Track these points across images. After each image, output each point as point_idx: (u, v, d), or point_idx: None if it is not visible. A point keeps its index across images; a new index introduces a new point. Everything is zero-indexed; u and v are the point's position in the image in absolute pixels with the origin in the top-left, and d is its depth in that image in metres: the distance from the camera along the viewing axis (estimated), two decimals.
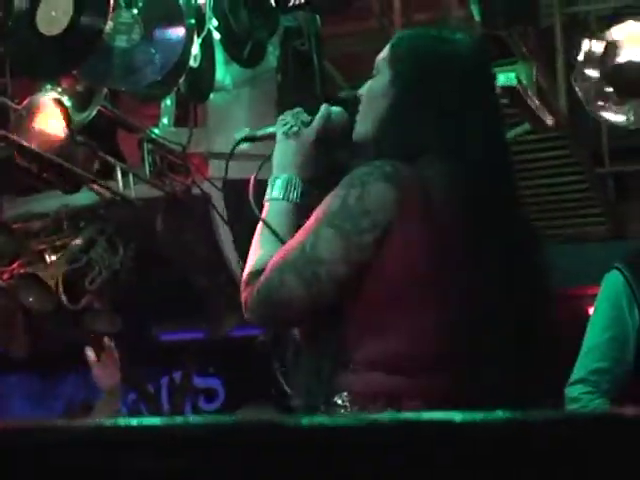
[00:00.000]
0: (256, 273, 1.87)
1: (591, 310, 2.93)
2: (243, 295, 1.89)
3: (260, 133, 2.17)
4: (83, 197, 4.81)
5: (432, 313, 1.78)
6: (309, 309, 1.83)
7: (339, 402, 1.82)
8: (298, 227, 1.89)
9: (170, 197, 4.85)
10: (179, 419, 0.80)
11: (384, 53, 1.99)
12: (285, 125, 2.02)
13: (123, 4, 3.73)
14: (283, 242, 1.89)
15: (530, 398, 1.83)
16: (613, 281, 2.78)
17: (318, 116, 2.00)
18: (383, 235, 1.77)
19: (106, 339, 4.03)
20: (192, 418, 0.79)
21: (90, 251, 4.92)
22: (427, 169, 1.81)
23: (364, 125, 1.95)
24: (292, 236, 1.87)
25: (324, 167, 2.02)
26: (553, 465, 0.77)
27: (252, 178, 2.07)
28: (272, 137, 2.07)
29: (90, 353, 3.98)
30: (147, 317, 5.98)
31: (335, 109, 2.03)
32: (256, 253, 1.93)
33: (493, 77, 2.05)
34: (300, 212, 1.92)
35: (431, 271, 1.77)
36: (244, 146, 5.67)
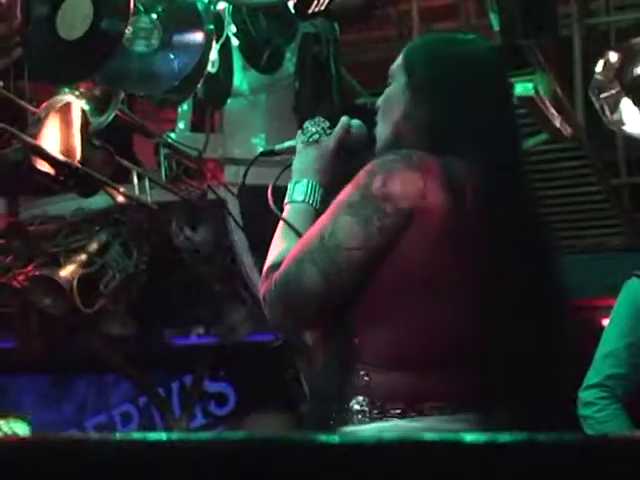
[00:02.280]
0: (274, 266, 1.86)
1: (606, 321, 2.93)
2: (262, 289, 1.88)
3: (278, 147, 2.20)
4: (99, 200, 4.82)
5: (448, 309, 1.76)
6: (327, 300, 1.79)
7: (357, 407, 1.79)
8: None
9: (185, 202, 4.85)
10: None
11: (398, 60, 2.00)
12: (306, 134, 2.05)
13: (143, 9, 3.73)
14: None
15: (544, 401, 1.81)
16: (631, 288, 2.79)
17: (338, 126, 2.04)
18: (404, 223, 1.76)
19: None
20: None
21: (105, 254, 4.92)
22: (448, 166, 1.81)
23: (383, 131, 1.97)
24: None
25: (341, 176, 1.99)
26: None
27: (270, 186, 2.09)
28: (291, 151, 2.10)
29: None
30: (160, 321, 5.99)
31: (355, 121, 2.06)
32: (276, 249, 1.93)
33: (507, 76, 2.05)
34: (318, 217, 1.91)
35: (449, 266, 1.75)
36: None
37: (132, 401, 7.72)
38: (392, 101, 1.96)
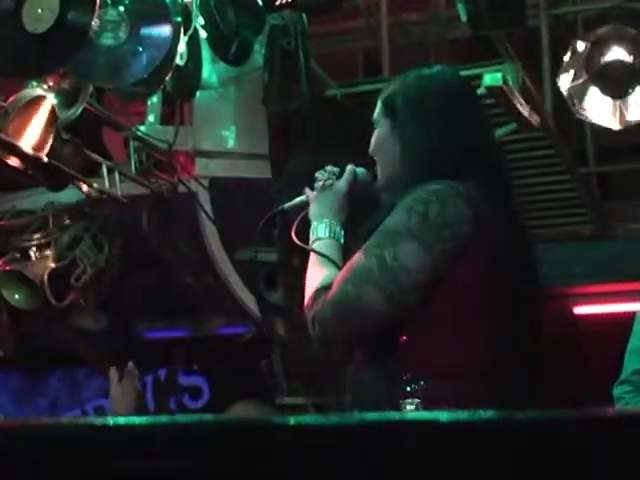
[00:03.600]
0: (323, 289, 2.01)
1: (576, 309, 3.00)
2: (311, 312, 2.02)
3: (288, 206, 2.34)
4: (69, 194, 4.81)
5: (491, 326, 1.95)
6: (387, 320, 1.95)
7: (411, 408, 1.90)
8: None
9: (156, 195, 4.85)
10: (167, 418, 0.80)
11: (377, 109, 2.20)
12: (320, 182, 2.24)
13: (110, 2, 3.72)
14: (339, 267, 2.06)
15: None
16: None
17: (347, 172, 2.24)
18: (460, 248, 1.93)
19: (130, 364, 4.00)
20: (180, 417, 0.80)
21: (76, 248, 4.91)
22: (472, 192, 1.99)
23: (382, 175, 2.17)
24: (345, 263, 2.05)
25: (351, 215, 2.23)
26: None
27: (295, 225, 2.25)
28: (303, 207, 2.27)
29: (114, 374, 3.92)
30: (132, 315, 5.97)
31: (360, 168, 2.26)
32: (317, 276, 2.09)
33: (477, 98, 2.33)
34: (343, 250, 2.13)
35: (495, 286, 1.95)
36: (230, 145, 5.67)
37: (106, 395, 7.69)
38: (383, 146, 2.17)
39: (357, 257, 2.00)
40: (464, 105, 2.15)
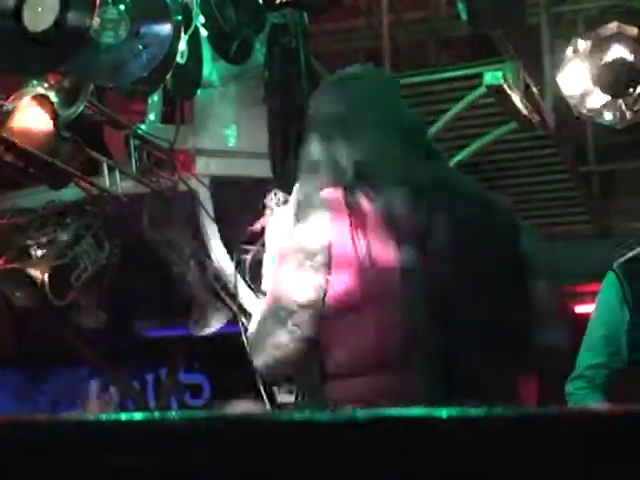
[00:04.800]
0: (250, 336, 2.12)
1: (577, 308, 3.04)
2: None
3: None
4: (69, 193, 4.81)
5: (379, 319, 1.95)
6: (303, 347, 2.00)
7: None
8: None
9: (157, 193, 4.85)
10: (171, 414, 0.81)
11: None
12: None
13: (110, 0, 3.72)
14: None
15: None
16: (607, 282, 2.93)
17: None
18: (328, 259, 1.96)
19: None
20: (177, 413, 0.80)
21: (76, 247, 4.91)
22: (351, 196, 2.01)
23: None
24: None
25: None
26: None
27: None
28: None
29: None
30: (133, 313, 5.98)
31: None
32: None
33: (399, 99, 2.27)
34: None
35: (379, 284, 1.95)
36: (231, 143, 5.66)
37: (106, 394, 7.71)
38: (310, 157, 2.20)
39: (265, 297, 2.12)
40: (372, 114, 2.15)
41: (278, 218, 2.28)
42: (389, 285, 1.94)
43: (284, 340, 1.99)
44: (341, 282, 1.96)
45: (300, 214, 2.04)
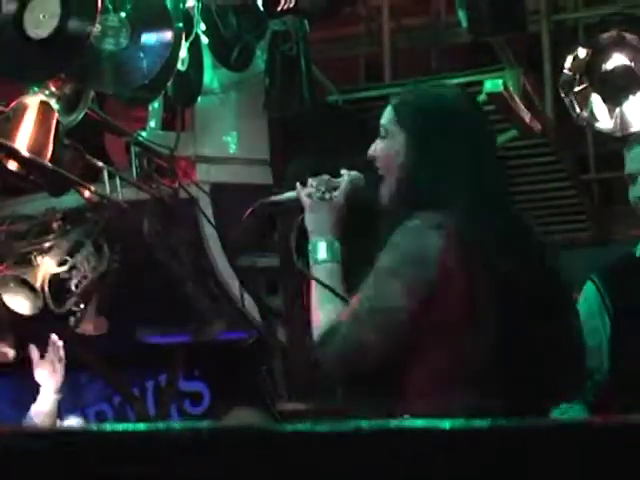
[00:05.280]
0: (326, 334, 2.07)
1: None
2: (319, 354, 2.11)
3: (277, 199, 2.36)
4: (70, 199, 4.80)
5: (473, 341, 2.01)
6: (386, 357, 2.02)
7: None
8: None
9: (157, 200, 4.85)
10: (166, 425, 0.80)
11: (389, 115, 2.19)
12: (318, 191, 2.22)
13: (111, 7, 3.72)
14: (341, 298, 2.12)
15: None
16: (587, 292, 2.90)
17: (345, 182, 2.24)
18: (440, 277, 2.00)
19: (53, 336, 4.02)
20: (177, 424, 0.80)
21: (76, 254, 4.90)
22: (459, 222, 2.04)
23: (387, 186, 2.17)
24: (345, 291, 2.13)
25: (348, 226, 2.25)
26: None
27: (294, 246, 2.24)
28: (292, 203, 2.27)
29: (34, 351, 3.97)
30: (133, 320, 5.97)
31: (354, 173, 2.26)
32: (320, 314, 2.13)
33: (492, 130, 2.36)
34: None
35: (474, 308, 2.01)
36: (231, 150, 5.67)
37: (107, 400, 7.69)
38: (392, 158, 2.16)
39: (356, 299, 2.07)
40: (464, 131, 2.15)
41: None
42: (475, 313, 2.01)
43: (372, 339, 2.00)
44: (439, 302, 2.00)
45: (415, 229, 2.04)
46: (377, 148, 2.20)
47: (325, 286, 2.15)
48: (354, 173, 2.25)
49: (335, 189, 2.22)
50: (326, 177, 2.25)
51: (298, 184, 2.26)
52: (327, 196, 2.21)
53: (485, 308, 2.01)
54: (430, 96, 2.24)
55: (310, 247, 2.21)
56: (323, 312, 2.12)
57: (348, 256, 2.16)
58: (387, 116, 2.20)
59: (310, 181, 2.25)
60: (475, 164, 2.12)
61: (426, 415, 1.93)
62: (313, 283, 2.18)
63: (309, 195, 2.22)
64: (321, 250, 2.19)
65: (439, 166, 2.10)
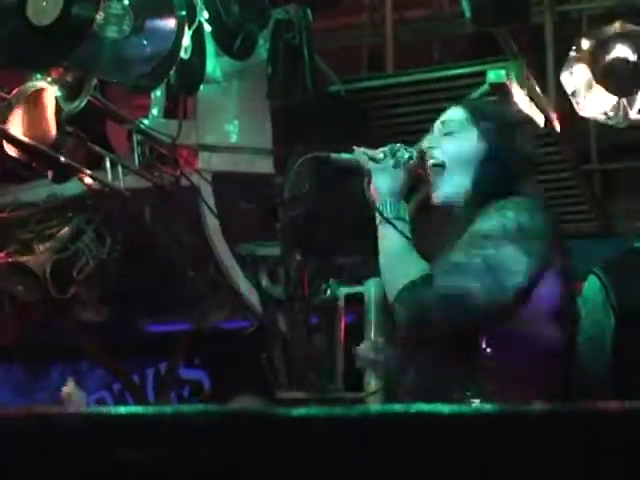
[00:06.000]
0: (418, 282, 2.08)
1: None
2: (404, 302, 2.10)
3: (336, 156, 2.36)
4: (72, 187, 4.80)
5: (562, 334, 2.09)
6: (484, 316, 2.04)
7: None
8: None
9: (159, 188, 4.84)
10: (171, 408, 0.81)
11: (460, 115, 2.28)
12: (399, 157, 2.29)
13: None
14: (423, 256, 2.15)
15: None
16: (590, 285, 2.88)
17: (415, 156, 2.31)
18: (549, 255, 2.07)
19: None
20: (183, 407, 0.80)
21: (78, 241, 4.91)
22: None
23: (465, 180, 2.22)
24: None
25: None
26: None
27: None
28: (349, 164, 2.33)
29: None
30: (134, 308, 5.98)
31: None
32: (405, 266, 2.15)
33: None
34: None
35: (563, 302, 2.09)
36: (233, 139, 5.65)
37: (107, 388, 7.71)
38: (467, 155, 2.23)
39: (457, 254, 2.08)
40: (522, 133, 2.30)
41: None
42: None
43: (477, 296, 2.01)
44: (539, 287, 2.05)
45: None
46: (445, 146, 2.26)
47: (405, 237, 2.18)
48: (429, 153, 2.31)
49: (411, 157, 2.29)
50: (401, 145, 2.32)
51: (359, 150, 2.31)
52: (404, 160, 2.28)
53: (567, 307, 2.10)
54: (485, 102, 2.43)
55: (384, 206, 2.25)
56: (408, 266, 2.13)
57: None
58: (456, 114, 2.29)
59: (389, 147, 2.31)
60: (533, 162, 2.29)
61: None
62: (389, 238, 2.21)
63: (379, 159, 2.28)
64: (400, 209, 2.24)
65: (510, 159, 2.19)
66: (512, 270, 2.02)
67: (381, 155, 2.29)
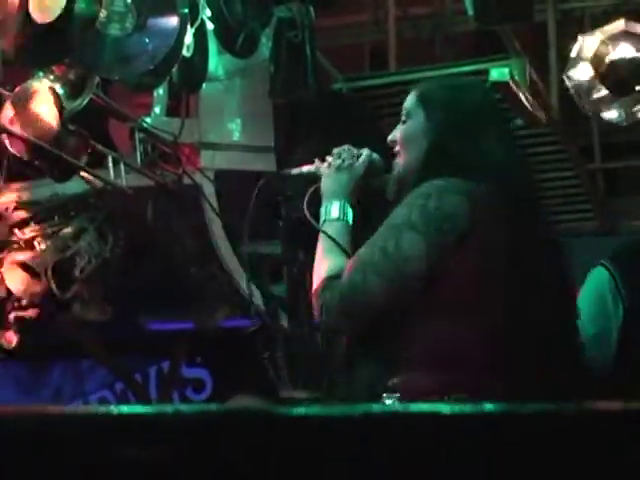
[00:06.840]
0: (331, 278, 2.08)
1: None
2: (319, 300, 2.09)
3: (295, 171, 2.43)
4: (74, 185, 4.80)
5: (483, 317, 2.00)
6: (389, 307, 2.02)
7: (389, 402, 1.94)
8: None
9: (161, 187, 4.84)
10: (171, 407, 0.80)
11: (412, 99, 2.27)
12: (338, 159, 2.32)
13: None
14: (347, 254, 2.14)
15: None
16: (598, 277, 2.80)
17: (365, 155, 2.33)
18: (458, 242, 2.00)
19: None
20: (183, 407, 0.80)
21: (80, 240, 4.91)
22: (484, 193, 2.06)
23: (410, 162, 2.21)
24: (352, 248, 2.15)
25: (361, 196, 2.32)
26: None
27: (306, 200, 2.32)
28: (309, 177, 2.36)
29: None
30: (136, 306, 5.98)
31: (375, 155, 2.35)
32: (326, 261, 2.16)
33: (503, 112, 2.46)
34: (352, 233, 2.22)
35: (487, 280, 2.01)
36: (236, 137, 5.65)
37: (109, 387, 7.71)
38: (413, 136, 2.22)
39: (364, 249, 2.07)
40: (488, 119, 2.24)
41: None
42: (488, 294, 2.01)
43: (377, 283, 2.00)
44: (451, 272, 2.00)
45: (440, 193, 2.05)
46: (398, 132, 2.27)
47: (332, 239, 2.17)
48: (375, 154, 2.35)
49: (357, 157, 2.32)
50: (349, 147, 2.33)
51: (317, 160, 2.34)
52: (346, 164, 2.29)
53: (495, 288, 2.01)
54: (450, 81, 2.42)
55: (322, 209, 2.27)
56: (327, 263, 2.14)
57: (357, 240, 2.18)
58: (409, 100, 2.28)
59: (334, 150, 2.34)
60: (496, 138, 2.17)
61: (417, 389, 1.94)
62: (320, 240, 2.21)
63: (328, 165, 2.31)
64: (333, 210, 2.24)
65: (463, 140, 2.15)
66: (410, 257, 2.00)
67: (330, 160, 2.33)
